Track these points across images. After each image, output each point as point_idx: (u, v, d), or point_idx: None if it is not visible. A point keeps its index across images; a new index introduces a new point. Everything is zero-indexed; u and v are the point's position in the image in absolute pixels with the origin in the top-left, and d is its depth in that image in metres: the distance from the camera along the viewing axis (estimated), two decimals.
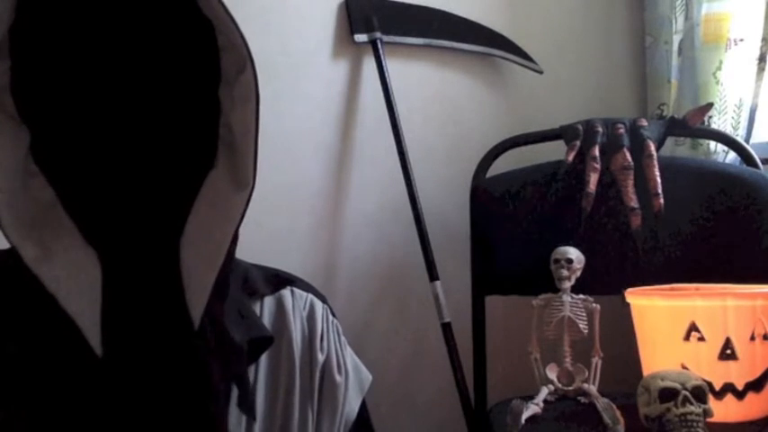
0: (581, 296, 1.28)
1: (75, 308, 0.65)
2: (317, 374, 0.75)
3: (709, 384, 1.04)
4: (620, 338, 1.30)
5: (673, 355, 1.11)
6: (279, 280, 0.79)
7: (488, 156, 1.54)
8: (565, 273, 1.29)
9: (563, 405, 1.23)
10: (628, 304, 1.22)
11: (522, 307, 1.38)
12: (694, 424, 0.94)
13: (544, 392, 1.24)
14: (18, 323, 0.67)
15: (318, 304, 0.79)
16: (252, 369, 0.72)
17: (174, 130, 0.70)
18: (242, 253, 0.80)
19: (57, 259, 0.65)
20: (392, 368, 1.65)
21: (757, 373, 1.08)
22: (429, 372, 1.66)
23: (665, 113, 1.65)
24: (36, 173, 0.68)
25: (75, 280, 0.66)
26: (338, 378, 0.76)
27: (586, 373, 1.26)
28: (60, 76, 0.68)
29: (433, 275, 1.51)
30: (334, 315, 0.81)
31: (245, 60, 0.67)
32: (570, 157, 1.39)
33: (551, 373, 1.27)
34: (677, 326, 1.10)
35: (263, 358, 0.73)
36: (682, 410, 0.95)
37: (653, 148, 1.36)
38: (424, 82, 1.67)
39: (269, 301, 0.76)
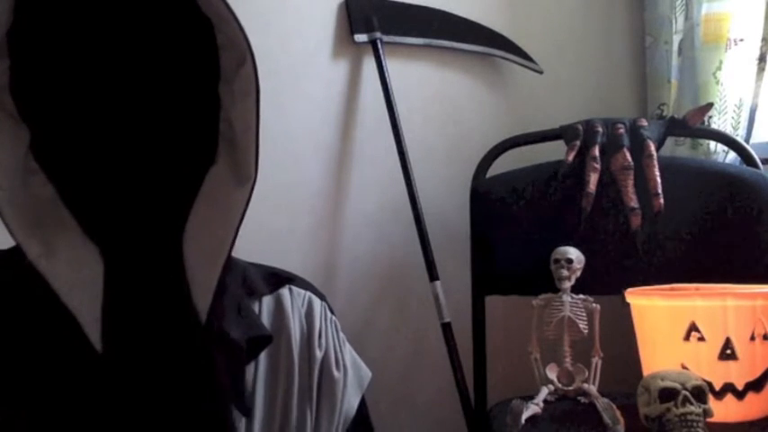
0: (581, 296, 1.28)
1: (77, 304, 0.65)
2: (316, 371, 0.75)
3: (710, 384, 1.04)
4: (620, 338, 1.30)
5: (673, 355, 1.11)
6: (277, 279, 0.79)
7: (488, 156, 1.54)
8: (565, 273, 1.29)
9: (563, 405, 1.23)
10: (628, 304, 1.22)
11: (522, 307, 1.38)
12: (694, 424, 0.94)
13: (544, 392, 1.24)
14: (20, 321, 0.67)
15: (317, 302, 0.80)
16: (251, 367, 0.72)
17: (174, 127, 0.70)
18: (242, 253, 0.80)
19: (59, 256, 0.66)
20: (392, 368, 1.65)
21: (757, 373, 1.08)
22: (429, 372, 1.66)
23: (665, 113, 1.65)
24: (36, 170, 0.68)
25: (77, 276, 0.66)
26: (336, 374, 0.76)
27: (586, 373, 1.26)
28: (60, 74, 0.68)
29: (433, 275, 1.51)
30: (332, 312, 0.81)
31: (245, 54, 0.67)
32: (570, 157, 1.39)
33: (551, 373, 1.27)
34: (677, 326, 1.10)
35: (263, 356, 0.73)
36: (682, 410, 0.95)
37: (653, 148, 1.36)
38: (424, 82, 1.67)
39: (268, 300, 0.77)
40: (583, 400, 1.23)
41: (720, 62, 1.50)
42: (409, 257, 1.61)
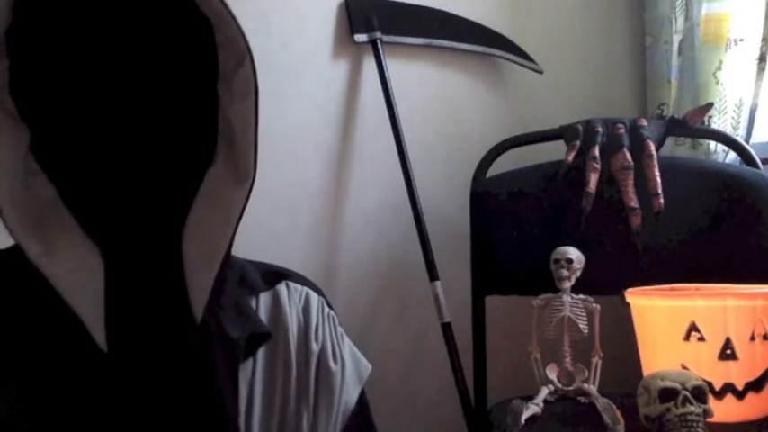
0: (581, 296, 1.28)
1: (80, 303, 0.65)
2: (313, 365, 0.75)
3: (710, 384, 1.03)
4: (620, 338, 1.30)
5: (673, 355, 1.11)
6: (275, 275, 0.79)
7: (488, 156, 1.54)
8: (565, 273, 1.28)
9: (563, 405, 1.23)
10: (628, 304, 1.22)
11: (522, 307, 1.38)
12: (694, 424, 0.94)
13: (544, 392, 1.24)
14: (22, 320, 0.67)
15: (314, 296, 0.80)
16: (249, 363, 0.72)
17: (172, 127, 0.70)
18: (242, 252, 0.80)
19: (60, 255, 0.66)
20: (392, 368, 1.65)
21: (757, 373, 1.08)
22: (429, 372, 1.66)
23: (665, 113, 1.65)
24: (37, 171, 0.69)
25: (78, 276, 0.66)
26: (333, 366, 0.76)
27: (586, 373, 1.26)
28: (59, 74, 0.68)
29: (433, 275, 1.51)
30: (330, 307, 0.81)
31: (244, 54, 0.67)
32: (570, 157, 1.39)
33: (551, 373, 1.27)
34: (677, 326, 1.10)
35: (261, 352, 0.73)
36: (682, 410, 0.95)
37: (653, 148, 1.36)
38: (424, 82, 1.67)
39: (265, 296, 0.77)
40: (583, 400, 1.23)
41: (720, 62, 1.50)
42: (409, 257, 1.60)
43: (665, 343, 1.15)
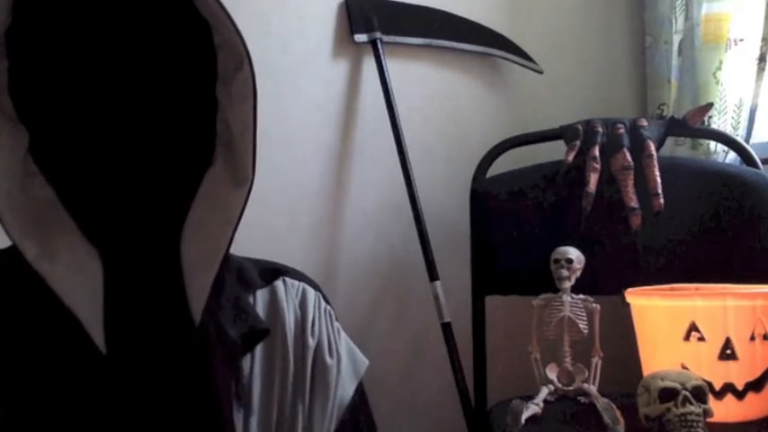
0: (581, 296, 1.28)
1: (78, 305, 0.65)
2: (309, 359, 0.75)
3: (710, 384, 1.04)
4: (620, 338, 1.30)
5: (673, 355, 1.11)
6: (272, 272, 0.79)
7: (488, 156, 1.54)
8: (565, 273, 1.28)
9: (563, 405, 1.23)
10: (628, 304, 1.22)
11: (522, 307, 1.38)
12: (694, 424, 0.94)
13: (544, 392, 1.24)
14: (20, 321, 0.67)
15: (311, 291, 0.80)
16: (248, 360, 0.72)
17: (171, 129, 0.70)
18: (242, 252, 0.80)
19: (59, 257, 0.66)
20: (392, 368, 1.65)
21: (757, 373, 1.08)
22: (429, 372, 1.66)
23: (665, 113, 1.65)
24: (35, 173, 0.69)
25: (77, 277, 0.66)
26: (329, 361, 0.76)
27: (586, 373, 1.26)
28: (58, 76, 0.68)
29: (433, 275, 1.51)
30: (327, 302, 0.81)
31: (243, 58, 0.67)
32: (570, 157, 1.39)
33: (551, 373, 1.27)
34: (677, 326, 1.10)
35: (259, 349, 0.73)
36: (682, 410, 0.95)
37: (653, 148, 1.36)
38: (424, 82, 1.67)
39: (262, 293, 0.77)
40: (583, 400, 1.23)
41: (720, 62, 1.50)
42: (409, 257, 1.61)
43: (665, 343, 1.15)
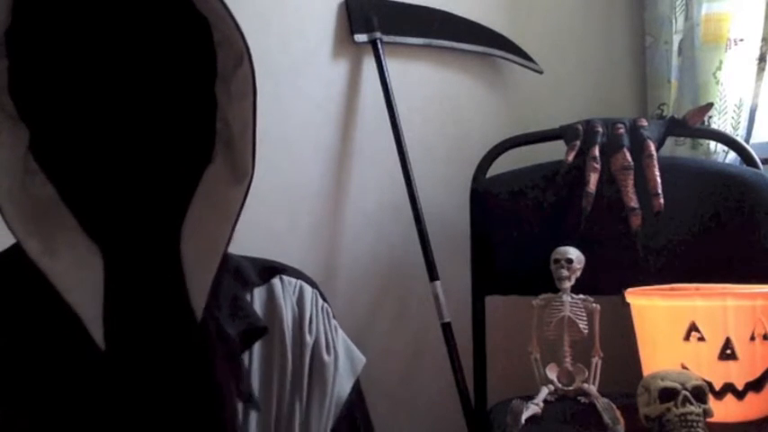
0: (581, 296, 1.28)
1: (79, 302, 0.65)
2: (307, 356, 0.75)
3: (710, 384, 1.04)
4: (620, 338, 1.30)
5: (673, 355, 1.11)
6: (269, 270, 0.79)
7: (488, 156, 1.54)
8: (565, 273, 1.28)
9: (563, 405, 1.23)
10: (628, 304, 1.22)
11: (522, 307, 1.38)
12: (694, 424, 0.94)
13: (544, 392, 1.24)
14: (21, 319, 0.67)
15: (308, 289, 0.80)
16: (246, 357, 0.72)
17: (170, 126, 0.70)
18: (242, 252, 0.80)
19: (60, 253, 0.66)
20: (392, 368, 1.65)
21: (757, 373, 1.08)
22: (429, 372, 1.66)
23: (665, 113, 1.65)
24: (36, 170, 0.69)
25: (78, 274, 0.67)
26: (326, 358, 0.76)
27: (586, 373, 1.26)
28: (57, 74, 0.68)
29: (433, 275, 1.51)
30: (324, 299, 0.82)
31: (243, 54, 0.67)
32: (570, 157, 1.39)
33: (551, 373, 1.27)
34: (677, 326, 1.10)
35: (257, 347, 0.74)
36: (682, 410, 0.95)
37: (653, 148, 1.36)
38: (424, 82, 1.67)
39: (260, 291, 0.77)
40: (583, 400, 1.23)
41: (720, 62, 1.50)
42: (409, 257, 1.60)
43: (665, 343, 1.15)
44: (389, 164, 1.58)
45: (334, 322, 0.81)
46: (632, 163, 1.35)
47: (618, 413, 1.10)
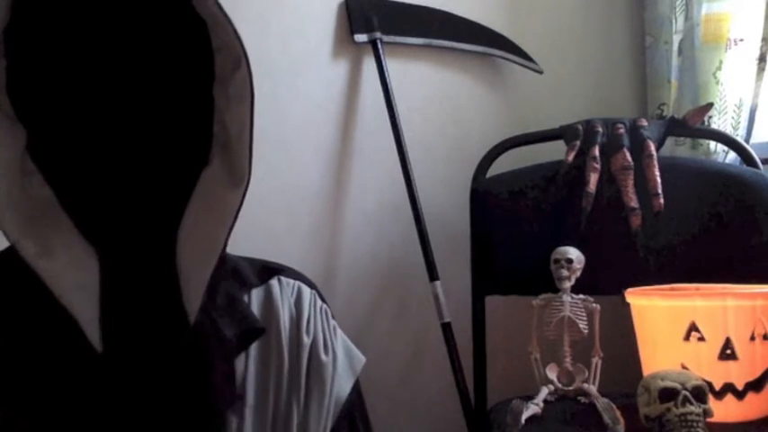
0: (581, 296, 1.28)
1: (75, 304, 0.65)
2: (304, 357, 0.75)
3: (710, 384, 1.04)
4: (620, 338, 1.30)
5: (673, 355, 1.11)
6: (267, 271, 0.79)
7: (488, 156, 1.54)
8: (565, 273, 1.29)
9: (563, 405, 1.23)
10: (628, 304, 1.22)
11: (522, 307, 1.38)
12: (694, 424, 0.94)
13: (544, 392, 1.24)
14: (18, 321, 0.67)
15: (306, 290, 0.80)
16: (242, 359, 0.72)
17: (168, 128, 0.70)
18: (241, 253, 0.80)
19: (56, 255, 0.66)
20: (392, 368, 1.65)
21: (757, 373, 1.08)
22: (429, 372, 1.66)
23: (665, 113, 1.65)
24: (33, 171, 0.69)
25: (74, 276, 0.67)
26: (324, 358, 0.76)
27: (586, 373, 1.26)
28: (56, 75, 0.68)
29: (433, 275, 1.51)
30: (323, 300, 0.81)
31: (240, 58, 0.67)
32: (570, 157, 1.39)
33: (551, 373, 1.27)
34: (677, 326, 1.10)
35: (254, 348, 0.73)
36: (682, 410, 0.95)
37: (653, 148, 1.36)
38: (424, 82, 1.67)
39: (258, 291, 0.77)
40: (583, 400, 1.23)
41: (720, 62, 1.50)
42: (409, 257, 1.61)
43: (665, 343, 1.15)
44: (389, 164, 1.58)
45: (332, 322, 0.81)
46: (632, 163, 1.35)
47: (618, 413, 1.10)
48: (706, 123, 1.50)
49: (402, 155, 1.54)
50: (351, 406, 0.78)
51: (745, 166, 1.42)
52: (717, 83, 1.50)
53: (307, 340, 0.76)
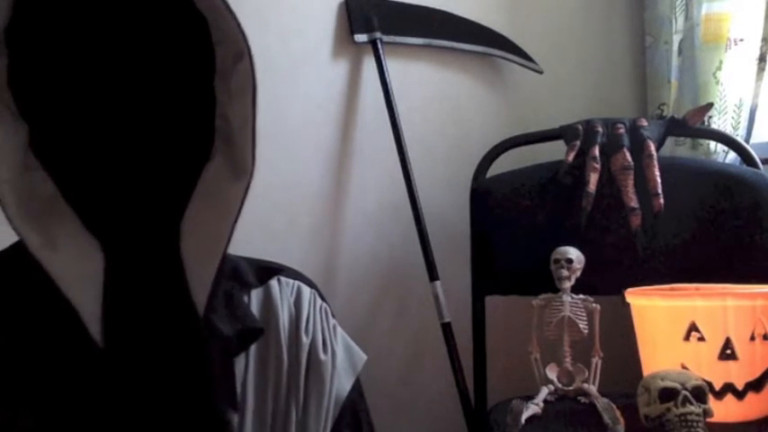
0: (581, 296, 1.28)
1: (78, 297, 0.66)
2: (303, 357, 0.75)
3: (710, 384, 1.04)
4: (620, 338, 1.30)
5: (673, 355, 1.11)
6: (267, 271, 0.79)
7: (488, 156, 1.54)
8: (565, 273, 1.29)
9: (563, 405, 1.23)
10: (628, 304, 1.22)
11: (522, 307, 1.38)
12: (694, 424, 0.94)
13: (544, 392, 1.24)
14: (21, 316, 0.67)
15: (306, 289, 0.80)
16: (242, 359, 0.72)
17: (170, 122, 0.70)
18: (241, 252, 0.80)
19: (61, 248, 0.66)
20: (392, 368, 1.65)
21: (757, 373, 1.08)
22: (429, 372, 1.66)
23: (665, 113, 1.65)
24: (36, 166, 0.69)
25: (78, 269, 0.67)
26: (323, 357, 0.76)
27: (586, 373, 1.26)
28: (57, 71, 0.68)
29: (433, 275, 1.51)
30: (323, 299, 0.81)
31: (243, 51, 0.67)
32: (570, 157, 1.39)
33: (551, 373, 1.27)
34: (677, 326, 1.10)
35: (253, 348, 0.73)
36: (682, 410, 0.95)
37: (653, 148, 1.36)
38: (424, 82, 1.67)
39: (257, 291, 0.77)
40: (583, 400, 1.23)
41: (720, 62, 1.50)
42: (409, 257, 1.60)
43: (665, 343, 1.15)
44: (389, 164, 1.58)
45: (332, 321, 0.81)
46: (632, 163, 1.35)
47: (618, 413, 1.10)
48: (706, 123, 1.50)
49: (402, 155, 1.54)
50: (352, 403, 0.78)
51: (745, 166, 1.42)
52: (717, 83, 1.50)
53: (306, 340, 0.76)
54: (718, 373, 1.07)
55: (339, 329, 0.81)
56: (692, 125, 1.42)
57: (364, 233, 1.63)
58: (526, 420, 1.15)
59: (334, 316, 0.82)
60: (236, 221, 0.68)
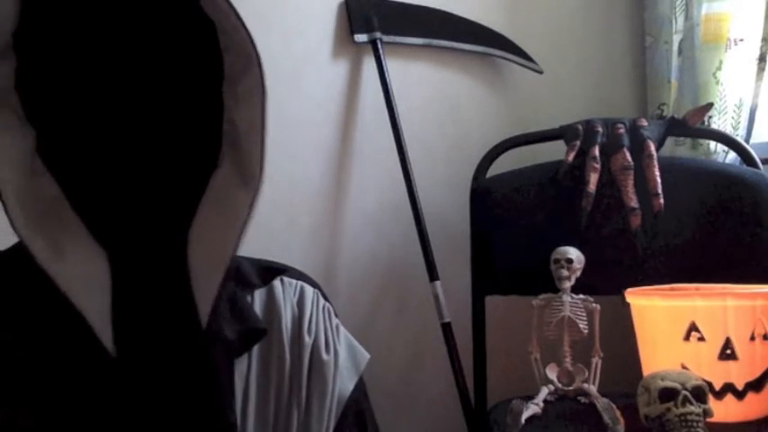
0: (581, 296, 1.28)
1: (86, 305, 0.65)
2: (306, 357, 0.75)
3: (710, 384, 1.04)
4: (620, 338, 1.30)
5: (673, 355, 1.11)
6: (270, 272, 0.79)
7: (488, 156, 1.54)
8: (565, 273, 1.29)
9: (563, 405, 1.23)
10: (628, 304, 1.22)
11: (522, 307, 1.38)
12: (694, 424, 0.94)
13: (544, 392, 1.24)
14: (28, 321, 0.67)
15: (309, 290, 0.80)
16: (245, 360, 0.72)
17: (178, 129, 0.70)
18: (242, 252, 0.80)
19: (67, 256, 0.66)
20: (392, 368, 1.65)
21: (757, 373, 1.08)
22: (429, 372, 1.66)
23: (665, 113, 1.65)
24: (43, 171, 0.69)
25: (85, 277, 0.66)
26: (325, 356, 0.76)
27: (586, 373, 1.26)
28: (65, 76, 0.68)
29: (433, 275, 1.51)
30: (326, 299, 0.81)
31: (251, 57, 0.67)
32: (570, 157, 1.39)
33: (551, 373, 1.27)
34: (677, 326, 1.10)
35: (256, 349, 0.73)
36: (682, 410, 0.95)
37: (653, 148, 1.36)
38: (424, 82, 1.67)
39: (260, 293, 0.77)
40: (583, 400, 1.23)
41: (720, 62, 1.50)
42: (409, 257, 1.61)
43: (665, 343, 1.15)
44: (389, 164, 1.58)
45: (335, 321, 0.80)
46: (632, 163, 1.35)
47: (618, 413, 1.10)
48: (706, 123, 1.50)
49: (402, 155, 1.54)
50: (355, 403, 0.78)
51: (745, 166, 1.42)
52: (717, 83, 1.50)
53: (308, 340, 0.76)
54: (718, 373, 1.07)
55: (342, 329, 0.81)
56: (692, 125, 1.42)
57: (364, 233, 1.63)
58: (526, 420, 1.15)
59: (337, 315, 0.81)
60: (243, 230, 0.68)
